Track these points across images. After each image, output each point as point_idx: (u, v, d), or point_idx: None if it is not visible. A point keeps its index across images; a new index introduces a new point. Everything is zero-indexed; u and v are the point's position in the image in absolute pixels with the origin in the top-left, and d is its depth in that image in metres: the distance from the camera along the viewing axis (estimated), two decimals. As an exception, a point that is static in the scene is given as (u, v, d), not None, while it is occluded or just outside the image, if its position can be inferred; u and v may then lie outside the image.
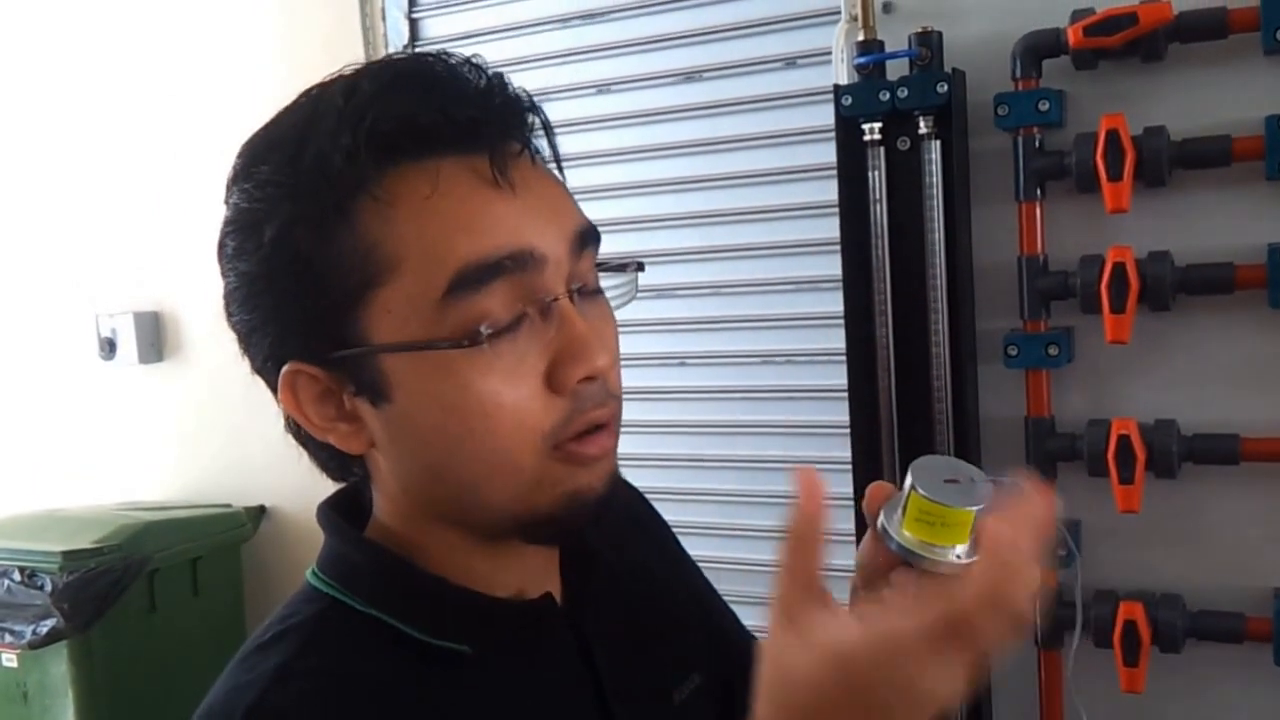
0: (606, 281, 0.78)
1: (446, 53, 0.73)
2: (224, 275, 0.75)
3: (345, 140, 0.68)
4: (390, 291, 0.69)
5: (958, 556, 0.68)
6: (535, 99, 0.75)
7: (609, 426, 0.74)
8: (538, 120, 0.75)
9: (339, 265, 0.69)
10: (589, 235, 0.75)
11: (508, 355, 0.69)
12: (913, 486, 0.69)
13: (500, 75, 0.73)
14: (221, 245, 0.74)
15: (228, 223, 0.74)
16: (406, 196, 0.69)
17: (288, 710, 0.70)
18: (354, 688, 0.72)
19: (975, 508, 0.69)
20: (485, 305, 0.68)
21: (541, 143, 0.76)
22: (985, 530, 0.64)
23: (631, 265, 0.79)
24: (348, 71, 0.74)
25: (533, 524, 0.74)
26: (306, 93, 0.74)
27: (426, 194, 0.69)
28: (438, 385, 0.70)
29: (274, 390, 0.75)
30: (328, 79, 0.74)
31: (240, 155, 0.75)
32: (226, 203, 0.74)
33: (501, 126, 0.71)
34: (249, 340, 0.75)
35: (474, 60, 0.73)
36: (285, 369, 0.73)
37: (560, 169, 0.78)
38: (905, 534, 0.70)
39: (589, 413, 0.72)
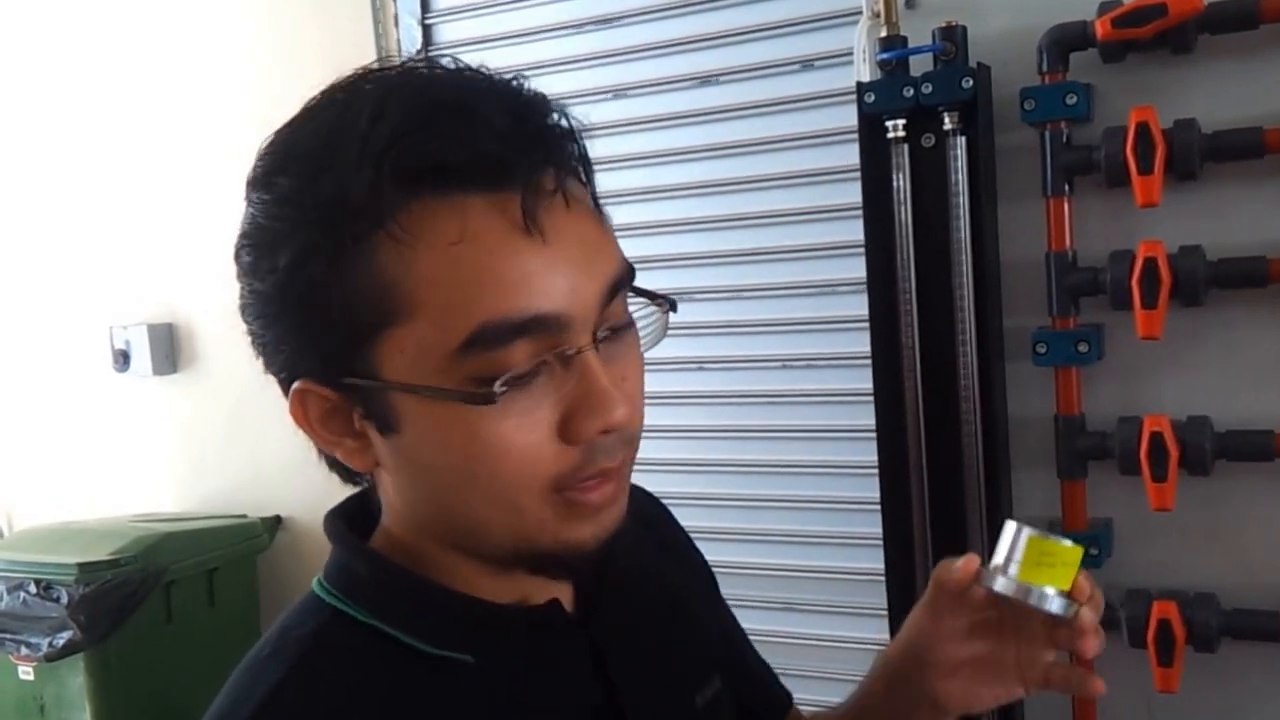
0: (637, 309, 0.75)
1: (483, 72, 0.69)
2: (239, 283, 0.73)
3: (367, 173, 0.65)
4: (405, 332, 0.67)
5: (1063, 598, 0.80)
6: (576, 127, 0.71)
7: (616, 475, 0.72)
8: (576, 151, 0.71)
9: (353, 299, 0.67)
10: (622, 281, 0.72)
11: (522, 402, 0.67)
12: (1026, 529, 0.81)
13: (540, 100, 0.70)
14: (237, 254, 0.72)
15: (244, 235, 0.71)
16: (430, 238, 0.65)
17: None
18: (347, 709, 0.72)
19: (1081, 548, 0.81)
20: (503, 360, 0.66)
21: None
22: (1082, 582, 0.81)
23: (664, 304, 0.76)
24: (381, 67, 0.71)
25: (533, 561, 0.73)
26: (332, 91, 0.71)
27: (453, 239, 0.65)
28: (445, 429, 0.68)
29: (286, 393, 0.74)
30: (354, 79, 0.71)
31: (262, 156, 0.71)
32: (246, 200, 0.72)
33: (535, 164, 0.67)
34: (262, 349, 0.74)
35: (514, 82, 0.69)
36: (295, 386, 0.71)
37: (597, 205, 0.74)
38: (1015, 578, 0.80)
39: (600, 463, 0.70)
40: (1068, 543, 0.80)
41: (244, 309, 0.73)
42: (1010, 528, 0.81)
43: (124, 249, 3.03)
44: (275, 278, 0.68)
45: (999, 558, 0.81)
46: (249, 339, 0.74)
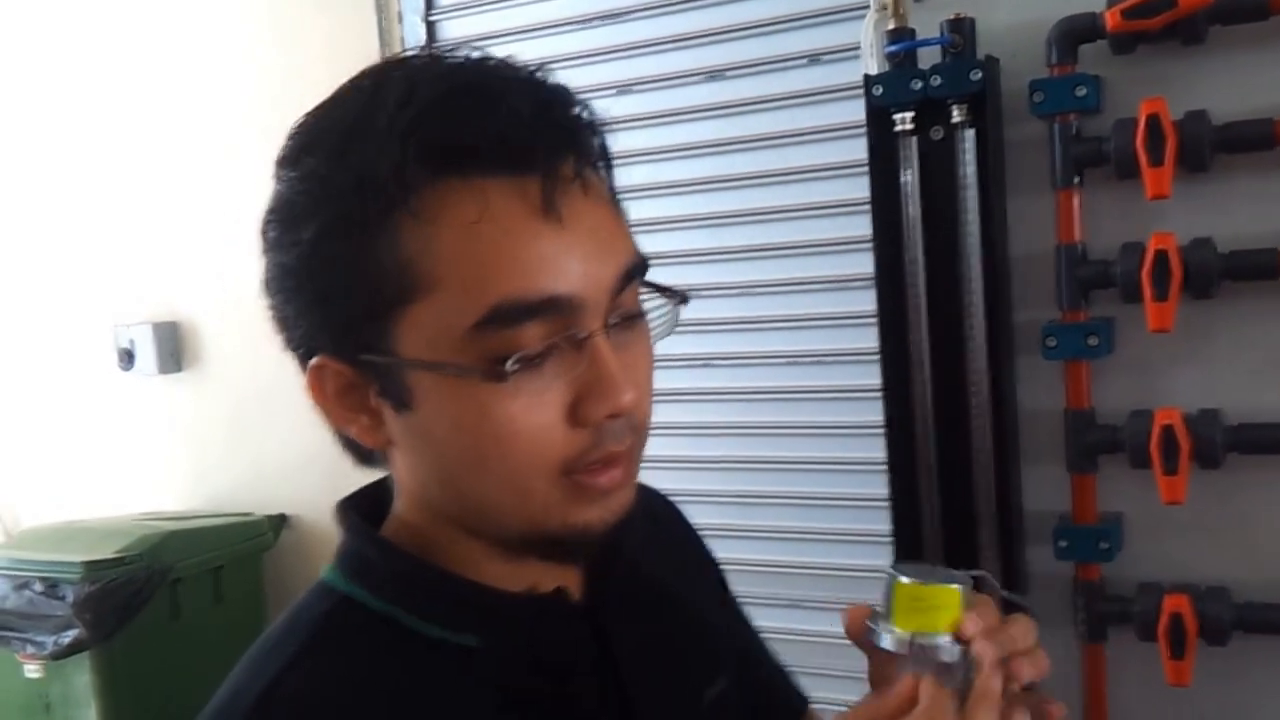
0: (649, 303, 0.76)
1: (509, 62, 0.71)
2: (263, 257, 0.75)
3: (392, 152, 0.66)
4: (423, 309, 0.68)
5: (951, 643, 0.73)
6: (598, 120, 0.73)
7: (624, 460, 0.73)
8: (596, 143, 0.73)
9: (373, 275, 0.68)
10: (635, 270, 0.73)
11: (533, 383, 0.69)
12: (895, 577, 0.75)
13: (563, 91, 0.71)
14: (263, 230, 0.74)
15: (270, 210, 0.73)
16: (450, 217, 0.67)
17: None
18: (349, 695, 0.73)
19: (960, 585, 0.75)
20: (517, 339, 0.68)
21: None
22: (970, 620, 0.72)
23: (676, 298, 0.77)
24: (409, 56, 0.73)
25: (541, 544, 0.74)
26: (362, 76, 0.72)
27: (473, 219, 0.67)
28: (458, 407, 0.69)
29: (304, 370, 0.75)
30: (383, 66, 0.72)
31: (292, 135, 0.73)
32: (275, 177, 0.74)
33: (556, 150, 0.69)
34: (282, 324, 0.76)
35: (539, 73, 0.71)
36: (313, 361, 0.73)
37: (615, 197, 0.75)
38: (896, 629, 0.74)
39: (608, 447, 0.71)
40: (953, 585, 0.74)
41: (266, 284, 0.74)
42: (885, 577, 0.76)
43: (128, 247, 3.01)
44: (299, 250, 0.70)
45: (882, 607, 0.76)
46: (269, 314, 0.76)
